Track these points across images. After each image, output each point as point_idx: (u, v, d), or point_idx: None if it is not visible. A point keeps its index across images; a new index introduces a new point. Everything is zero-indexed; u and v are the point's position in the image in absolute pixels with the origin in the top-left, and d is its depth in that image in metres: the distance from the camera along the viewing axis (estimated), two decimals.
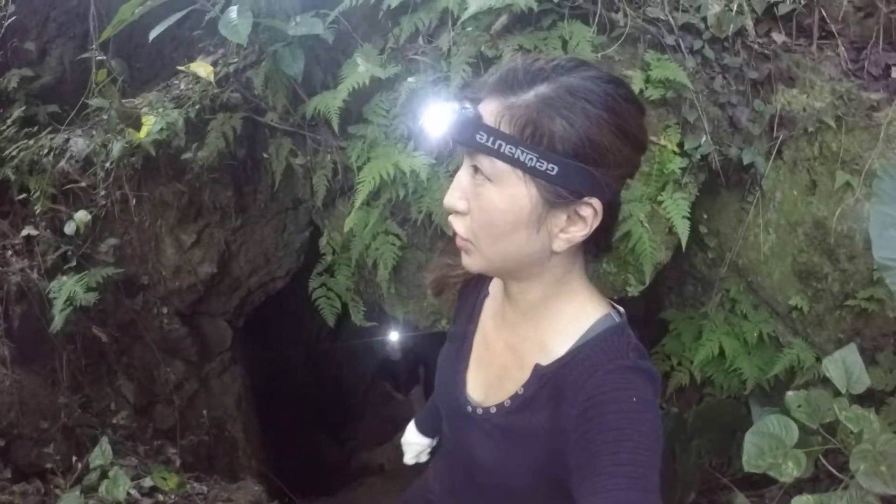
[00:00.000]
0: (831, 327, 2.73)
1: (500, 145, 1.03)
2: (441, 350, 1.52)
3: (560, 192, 1.05)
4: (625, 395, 1.08)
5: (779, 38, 2.58)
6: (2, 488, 2.30)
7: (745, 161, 2.58)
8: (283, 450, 3.96)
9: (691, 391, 3.16)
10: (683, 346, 3.08)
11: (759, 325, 2.90)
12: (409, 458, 1.94)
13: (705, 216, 2.87)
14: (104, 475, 2.42)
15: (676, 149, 2.57)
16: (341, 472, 4.30)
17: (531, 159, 1.02)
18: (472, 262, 1.19)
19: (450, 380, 1.43)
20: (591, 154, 1.03)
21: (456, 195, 1.14)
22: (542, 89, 1.04)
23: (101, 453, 2.45)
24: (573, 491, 1.06)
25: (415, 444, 1.91)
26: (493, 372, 1.35)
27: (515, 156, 1.03)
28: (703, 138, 2.58)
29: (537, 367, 1.22)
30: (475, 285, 1.49)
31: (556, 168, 1.02)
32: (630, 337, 1.19)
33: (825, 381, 2.49)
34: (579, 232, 1.10)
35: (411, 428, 1.93)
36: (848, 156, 2.51)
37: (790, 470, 2.21)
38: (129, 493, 2.48)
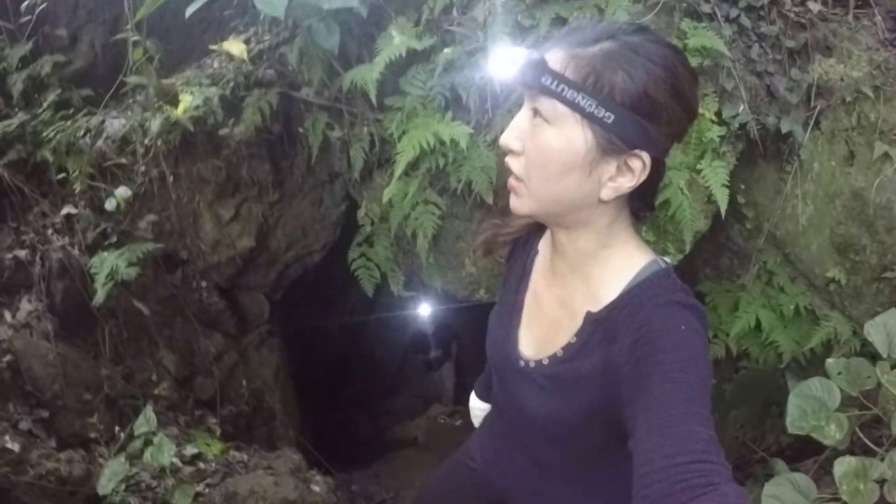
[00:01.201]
0: (869, 300, 2.72)
1: (563, 89, 1.09)
2: (491, 312, 1.56)
3: (613, 140, 1.10)
4: (673, 324, 1.13)
5: (815, 6, 2.55)
6: (48, 456, 2.36)
7: (783, 130, 2.55)
8: (318, 422, 4.02)
9: (727, 364, 3.16)
10: (720, 318, 3.06)
11: (795, 298, 2.88)
12: (478, 424, 2.00)
13: (742, 187, 2.84)
14: (148, 442, 2.47)
15: (714, 117, 2.55)
16: (375, 444, 4.36)
17: (590, 105, 1.08)
18: (521, 204, 1.24)
19: (502, 338, 1.47)
20: (646, 108, 1.08)
21: (512, 135, 1.19)
22: (606, 45, 1.10)
23: (145, 421, 2.50)
24: (625, 418, 1.09)
25: (476, 408, 1.97)
26: (544, 326, 1.39)
27: (576, 100, 1.08)
28: (741, 107, 2.56)
29: (588, 314, 1.27)
30: (524, 245, 1.53)
31: (612, 116, 1.08)
32: (676, 279, 1.24)
33: (862, 355, 2.49)
34: (627, 182, 1.15)
35: (473, 395, 1.99)
36: (886, 126, 2.49)
37: (833, 433, 2.21)
38: (171, 462, 2.53)
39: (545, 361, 1.33)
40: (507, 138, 1.20)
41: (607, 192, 1.16)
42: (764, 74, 2.58)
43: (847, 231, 2.65)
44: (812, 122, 2.59)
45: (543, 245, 1.46)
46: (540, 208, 1.23)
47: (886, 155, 2.50)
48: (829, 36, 2.57)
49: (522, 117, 1.19)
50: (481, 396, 1.95)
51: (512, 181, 1.23)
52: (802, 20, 2.55)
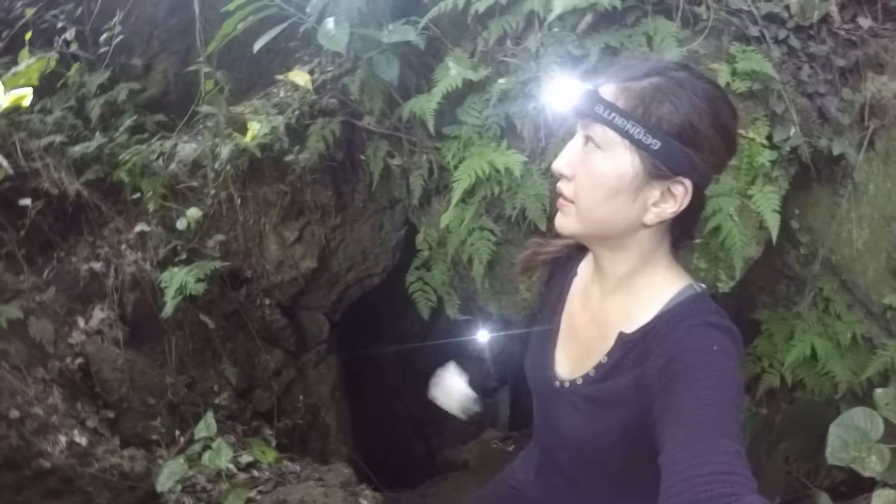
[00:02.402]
0: None
1: (615, 116, 1.17)
2: (532, 334, 1.60)
3: (659, 166, 1.17)
4: (706, 344, 1.16)
5: (865, 23, 2.53)
6: (112, 452, 2.49)
7: (836, 152, 2.52)
8: (373, 440, 4.08)
9: (782, 394, 3.08)
10: (775, 347, 3.00)
11: (852, 326, 2.80)
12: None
13: (797, 211, 2.81)
14: (207, 447, 2.58)
15: (765, 141, 2.54)
16: (426, 466, 4.39)
17: (639, 132, 1.16)
18: (567, 224, 1.29)
19: (539, 359, 1.51)
20: (690, 136, 1.16)
21: (564, 161, 1.27)
22: (654, 80, 1.19)
23: (205, 426, 2.61)
24: (656, 434, 1.10)
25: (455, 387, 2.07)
26: (579, 347, 1.42)
27: (626, 127, 1.16)
28: (792, 130, 2.55)
29: (621, 335, 1.30)
30: (563, 268, 1.58)
31: (659, 143, 1.15)
32: (711, 303, 1.27)
33: None
34: (669, 208, 1.21)
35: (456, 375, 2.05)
36: None
37: (873, 464, 2.15)
38: (227, 467, 2.63)
39: (579, 381, 1.37)
40: (560, 164, 1.27)
41: (650, 217, 1.22)
42: (815, 96, 2.57)
43: None
44: (866, 143, 2.57)
45: (583, 268, 1.50)
46: (585, 229, 1.28)
47: None
48: (881, 52, 2.54)
49: (574, 144, 1.26)
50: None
51: (561, 200, 1.29)
52: (853, 37, 2.54)
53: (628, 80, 1.20)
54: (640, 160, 1.18)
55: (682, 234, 1.32)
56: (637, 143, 1.16)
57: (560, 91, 1.28)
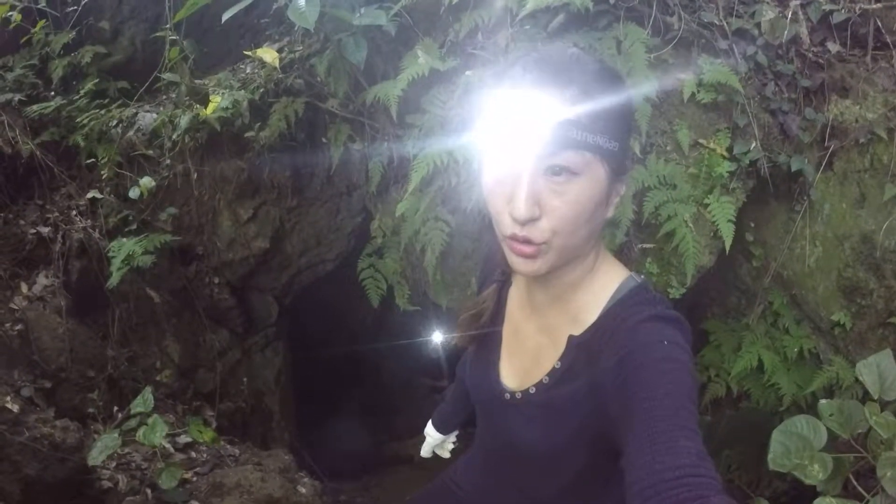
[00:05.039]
0: (873, 345, 2.67)
1: (586, 135, 1.08)
2: (467, 352, 1.56)
3: (622, 164, 1.15)
4: (656, 340, 1.11)
5: (833, 47, 2.57)
6: (45, 421, 2.41)
7: (794, 168, 2.56)
8: (315, 430, 4.03)
9: (727, 404, 3.12)
10: (722, 357, 3.03)
11: (800, 341, 2.85)
12: (424, 452, 2.08)
13: (752, 225, 2.84)
14: (143, 423, 2.50)
15: (725, 153, 2.56)
16: (372, 459, 4.36)
17: (606, 141, 1.09)
18: (541, 264, 1.17)
19: (483, 374, 1.45)
20: (630, 125, 1.19)
21: (530, 204, 1.11)
22: (588, 79, 1.12)
23: (142, 401, 2.53)
24: (615, 436, 1.08)
25: (430, 435, 2.02)
26: (527, 356, 1.38)
27: (598, 142, 1.08)
28: (753, 144, 2.57)
29: (571, 339, 1.26)
30: (492, 276, 1.52)
31: (618, 145, 1.11)
32: (653, 292, 1.24)
33: (864, 401, 2.45)
34: (616, 197, 1.18)
35: (430, 423, 2.03)
36: None
37: (816, 473, 2.15)
38: (163, 446, 2.57)
39: (532, 390, 1.32)
40: (528, 210, 1.10)
41: (610, 211, 1.19)
42: (778, 112, 2.60)
43: (854, 274, 2.63)
44: (825, 163, 2.60)
45: (518, 278, 1.45)
46: (560, 259, 1.18)
47: None
48: (846, 77, 2.58)
49: (532, 182, 1.10)
50: (438, 427, 2.00)
51: (529, 248, 1.15)
52: (820, 60, 2.58)
53: (563, 86, 1.08)
54: (608, 166, 1.11)
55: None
56: (607, 153, 1.10)
57: (526, 132, 1.12)
